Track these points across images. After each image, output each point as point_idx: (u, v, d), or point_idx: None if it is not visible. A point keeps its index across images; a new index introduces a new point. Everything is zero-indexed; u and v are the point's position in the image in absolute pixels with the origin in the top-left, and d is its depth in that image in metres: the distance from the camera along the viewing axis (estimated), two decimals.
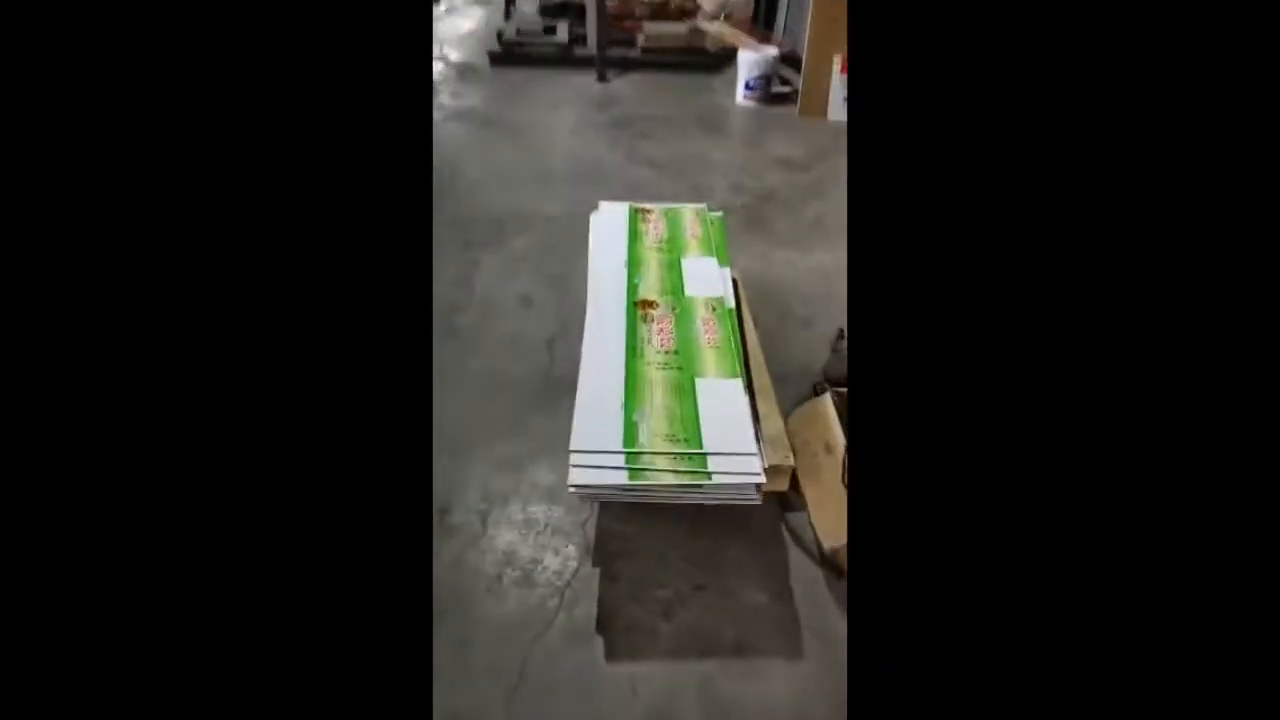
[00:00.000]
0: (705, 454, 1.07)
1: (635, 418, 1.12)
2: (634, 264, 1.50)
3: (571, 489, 1.03)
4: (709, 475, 1.04)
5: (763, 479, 1.04)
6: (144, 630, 0.41)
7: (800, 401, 1.52)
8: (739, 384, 1.21)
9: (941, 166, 0.46)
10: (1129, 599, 0.41)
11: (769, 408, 1.32)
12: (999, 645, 0.44)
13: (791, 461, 1.23)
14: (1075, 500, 0.43)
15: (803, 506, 1.31)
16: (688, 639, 1.10)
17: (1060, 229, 0.44)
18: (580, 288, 1.50)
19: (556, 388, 1.56)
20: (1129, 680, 0.41)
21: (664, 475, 1.04)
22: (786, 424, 1.35)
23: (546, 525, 1.27)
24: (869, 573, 0.47)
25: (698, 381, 1.20)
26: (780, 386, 1.41)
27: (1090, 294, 0.44)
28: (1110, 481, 0.42)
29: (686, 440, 1.09)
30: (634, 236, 1.59)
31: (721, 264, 1.52)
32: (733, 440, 1.09)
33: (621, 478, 1.04)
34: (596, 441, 1.08)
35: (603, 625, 1.11)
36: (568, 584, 1.17)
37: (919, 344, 0.47)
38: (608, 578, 1.19)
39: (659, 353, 1.27)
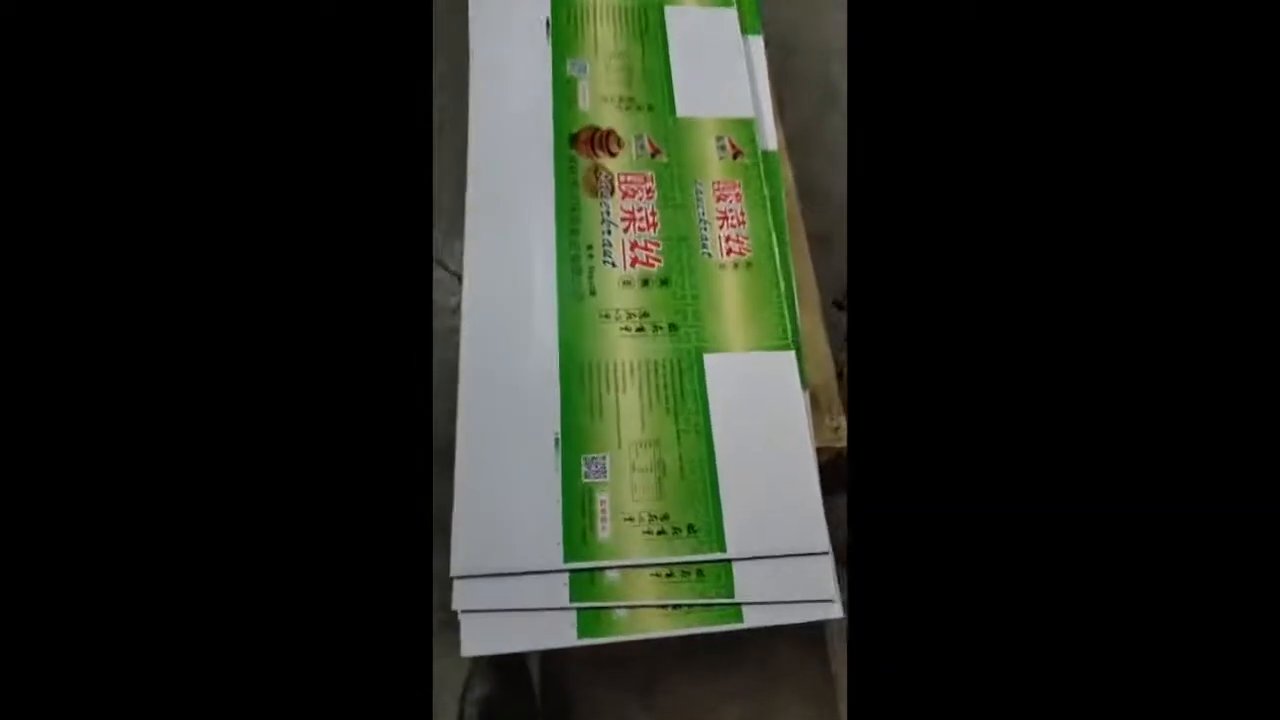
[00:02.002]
0: (729, 560, 0.53)
1: (585, 473, 0.54)
2: (561, 13, 0.70)
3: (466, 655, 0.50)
4: (738, 613, 0.52)
5: (839, 610, 0.53)
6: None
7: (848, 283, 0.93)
8: (791, 363, 0.60)
9: None
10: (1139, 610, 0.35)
11: (811, 324, 0.74)
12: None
13: (844, 439, 0.72)
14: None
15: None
16: None
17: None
18: (454, 40, 0.71)
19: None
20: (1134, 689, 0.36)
21: (649, 620, 0.51)
22: (837, 365, 0.79)
23: None
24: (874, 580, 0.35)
25: (709, 362, 0.59)
26: (820, 255, 0.80)
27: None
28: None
29: (693, 528, 0.53)
30: None
31: (748, 29, 0.73)
32: (783, 522, 0.54)
33: (564, 630, 0.50)
34: (506, 552, 0.51)
35: None
36: None
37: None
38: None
39: (628, 284, 0.61)
